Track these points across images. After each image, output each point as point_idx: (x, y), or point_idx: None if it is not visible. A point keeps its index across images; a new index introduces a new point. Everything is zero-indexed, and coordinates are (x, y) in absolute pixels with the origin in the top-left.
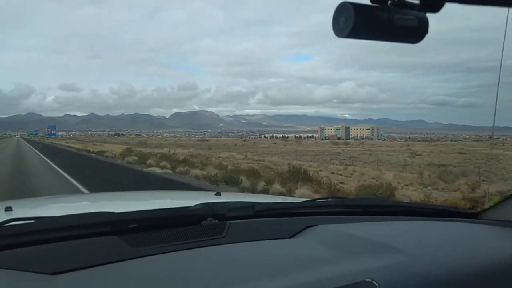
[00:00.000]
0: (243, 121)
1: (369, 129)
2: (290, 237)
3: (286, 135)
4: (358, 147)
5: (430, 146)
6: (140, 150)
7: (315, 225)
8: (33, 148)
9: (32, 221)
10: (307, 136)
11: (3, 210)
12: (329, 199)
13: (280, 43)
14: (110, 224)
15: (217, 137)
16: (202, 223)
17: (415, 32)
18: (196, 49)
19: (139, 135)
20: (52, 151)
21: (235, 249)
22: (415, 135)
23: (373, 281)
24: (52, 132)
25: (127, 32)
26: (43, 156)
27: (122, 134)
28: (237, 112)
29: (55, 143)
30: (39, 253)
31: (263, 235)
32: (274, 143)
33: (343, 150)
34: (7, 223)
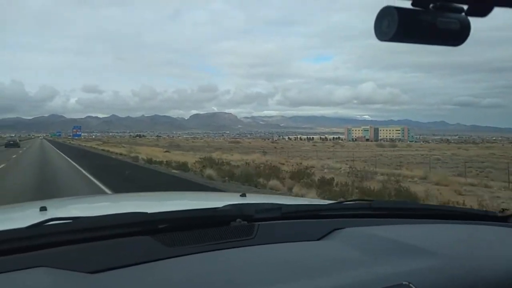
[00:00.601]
0: (261, 122)
1: (399, 130)
2: (318, 239)
3: (311, 137)
4: (408, 149)
5: (483, 149)
6: (207, 159)
7: (343, 228)
8: (62, 155)
9: (70, 221)
10: (333, 137)
11: (38, 210)
12: (356, 202)
13: (300, 44)
14: (144, 224)
15: (240, 138)
16: (231, 224)
17: (457, 34)
18: (216, 50)
19: (160, 136)
20: (94, 163)
21: (265, 250)
22: (438, 137)
23: (410, 284)
24: (77, 133)
25: (149, 34)
26: (88, 176)
27: (143, 136)
28: (255, 114)
29: (85, 146)
30: (77, 252)
31: (291, 237)
32: (314, 145)
33: (401, 153)
34: (46, 222)
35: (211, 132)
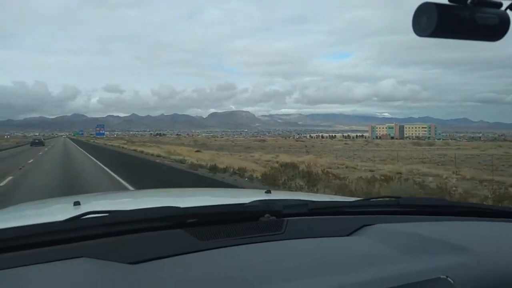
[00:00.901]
0: (279, 120)
1: (425, 128)
2: (347, 235)
3: (333, 135)
4: (447, 148)
5: None
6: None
7: (372, 224)
8: (92, 158)
9: (106, 214)
10: (356, 135)
11: (72, 204)
12: (383, 199)
13: (318, 41)
14: (176, 218)
15: (261, 136)
16: (260, 219)
17: (496, 30)
18: (233, 49)
19: (180, 134)
20: (139, 172)
21: (296, 245)
22: (461, 134)
23: (448, 278)
24: (101, 131)
25: (167, 34)
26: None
27: (163, 134)
28: (273, 112)
29: (111, 146)
30: (116, 244)
31: (320, 232)
32: (346, 143)
33: (445, 153)
34: (83, 216)
35: (229, 130)
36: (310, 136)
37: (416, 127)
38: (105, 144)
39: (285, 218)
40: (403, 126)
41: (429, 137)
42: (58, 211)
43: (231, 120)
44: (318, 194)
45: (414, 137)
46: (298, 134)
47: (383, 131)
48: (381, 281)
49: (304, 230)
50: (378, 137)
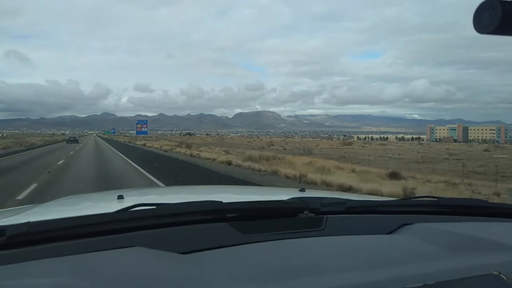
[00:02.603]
0: (305, 121)
1: (493, 129)
2: (387, 234)
3: (385, 136)
4: None
5: None
6: None
7: (412, 223)
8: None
9: (153, 207)
10: (412, 137)
11: (116, 198)
12: (422, 199)
13: (348, 39)
14: (219, 212)
15: (291, 137)
16: (299, 216)
17: None
18: (261, 48)
19: (209, 134)
20: None
21: (337, 241)
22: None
23: (501, 274)
24: (143, 129)
25: (196, 33)
26: None
27: (193, 134)
28: (299, 112)
29: (170, 152)
30: (165, 235)
31: (359, 230)
32: (420, 144)
33: None
34: (132, 208)
35: (255, 130)
36: (358, 138)
37: (482, 129)
38: (152, 147)
39: (325, 216)
40: (467, 128)
41: (497, 140)
42: (105, 203)
43: (256, 121)
44: (352, 194)
45: (480, 140)
46: (345, 135)
47: (444, 133)
48: (430, 276)
49: (344, 228)
50: (438, 140)
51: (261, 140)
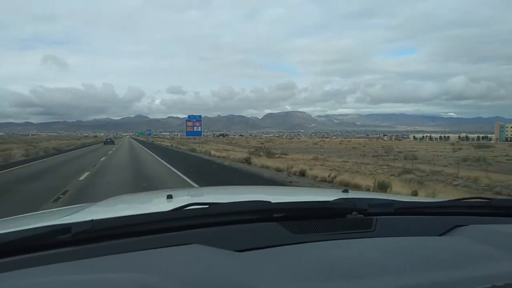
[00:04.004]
0: (335, 121)
1: None
2: (439, 235)
3: (446, 135)
4: None
5: None
6: None
7: (465, 225)
8: None
9: (206, 206)
10: (477, 137)
11: (165, 197)
12: (473, 200)
13: (380, 37)
14: (269, 212)
15: (328, 138)
16: (347, 217)
17: None
18: (290, 48)
19: (242, 135)
20: None
21: (388, 243)
22: None
23: None
24: (195, 128)
25: (226, 35)
26: None
27: (226, 135)
28: (329, 112)
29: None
30: (220, 233)
31: (410, 232)
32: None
33: None
34: (187, 207)
35: (285, 131)
36: (414, 137)
37: None
38: (219, 158)
39: (374, 217)
40: None
41: None
42: (158, 202)
43: (286, 121)
44: (399, 195)
45: None
46: (398, 135)
47: None
48: (488, 278)
49: (394, 229)
50: (508, 139)
51: (344, 142)
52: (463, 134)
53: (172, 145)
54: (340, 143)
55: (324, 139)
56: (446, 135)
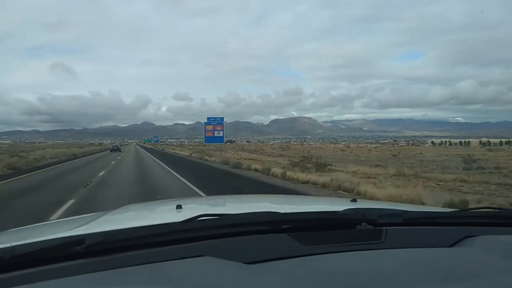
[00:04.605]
0: (342, 126)
1: None
2: (449, 246)
3: (466, 140)
4: None
5: None
6: None
7: (475, 236)
8: None
9: (217, 217)
10: (500, 141)
11: (175, 207)
12: (482, 210)
13: (387, 41)
14: (279, 223)
15: (338, 143)
16: (357, 228)
17: None
18: (296, 53)
19: (249, 141)
20: None
21: (398, 254)
22: None
23: None
24: (216, 133)
25: (233, 41)
26: None
27: (234, 141)
28: (336, 118)
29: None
30: (231, 245)
31: (420, 243)
32: None
33: None
34: (197, 218)
35: (291, 137)
36: (432, 142)
37: None
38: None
39: (384, 228)
40: None
41: None
42: (168, 213)
43: (292, 127)
44: (407, 204)
45: None
46: (410, 140)
47: None
48: None
49: (403, 240)
50: None
51: (370, 149)
52: (484, 139)
53: (190, 155)
54: (370, 150)
55: (348, 145)
56: (466, 140)
